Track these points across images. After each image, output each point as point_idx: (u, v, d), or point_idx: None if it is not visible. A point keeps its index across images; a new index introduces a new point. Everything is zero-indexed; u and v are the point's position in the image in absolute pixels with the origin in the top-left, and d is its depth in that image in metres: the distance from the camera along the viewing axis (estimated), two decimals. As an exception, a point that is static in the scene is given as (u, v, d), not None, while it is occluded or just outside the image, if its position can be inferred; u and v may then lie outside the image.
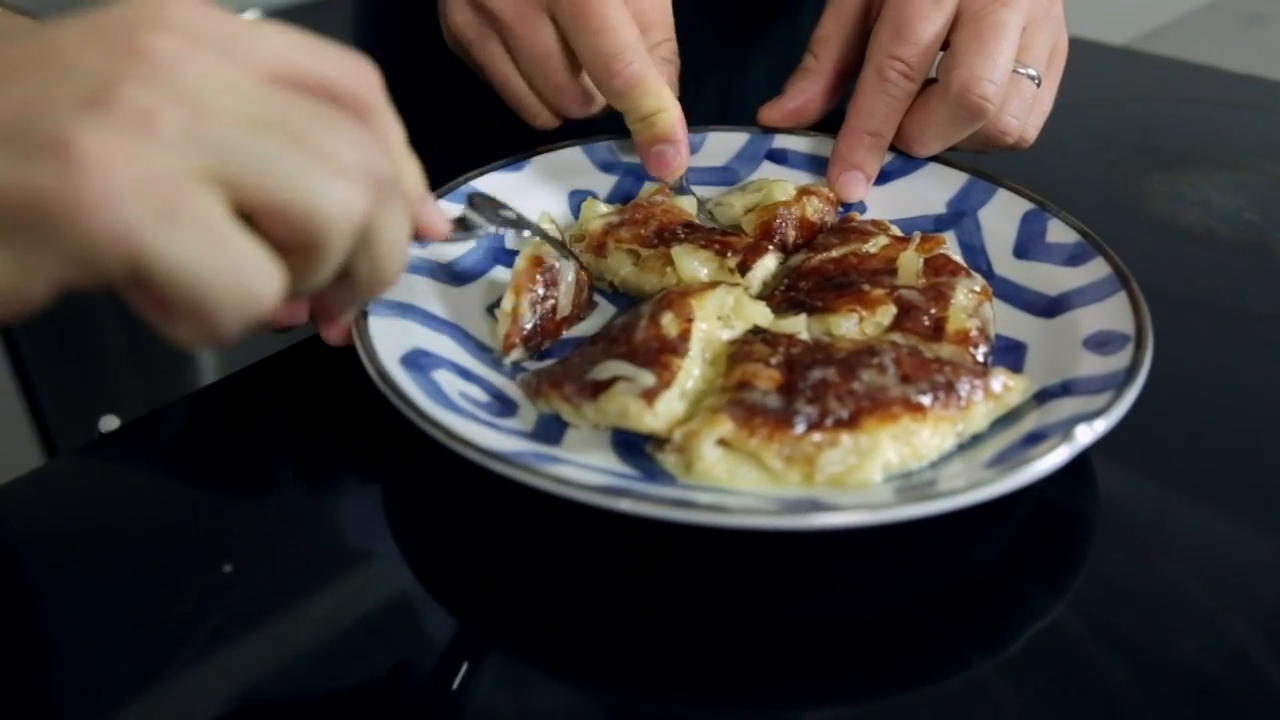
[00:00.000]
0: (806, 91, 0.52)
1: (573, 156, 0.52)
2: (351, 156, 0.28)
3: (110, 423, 0.45)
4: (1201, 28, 0.90)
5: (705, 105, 0.73)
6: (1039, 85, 0.48)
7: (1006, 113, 0.47)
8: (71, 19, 0.26)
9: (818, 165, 0.52)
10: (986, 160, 0.50)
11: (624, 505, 0.31)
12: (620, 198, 0.51)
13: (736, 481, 0.35)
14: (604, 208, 0.48)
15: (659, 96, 0.47)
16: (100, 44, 0.26)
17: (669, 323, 0.37)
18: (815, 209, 0.48)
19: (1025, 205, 0.47)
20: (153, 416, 0.43)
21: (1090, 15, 1.02)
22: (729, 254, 0.43)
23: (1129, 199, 0.58)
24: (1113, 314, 0.40)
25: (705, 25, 0.73)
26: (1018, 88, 0.47)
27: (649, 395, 0.35)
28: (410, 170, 0.34)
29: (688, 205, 0.48)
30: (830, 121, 0.52)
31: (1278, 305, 0.49)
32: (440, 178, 0.47)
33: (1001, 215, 0.48)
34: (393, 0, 0.75)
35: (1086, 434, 0.34)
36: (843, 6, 0.51)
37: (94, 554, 0.36)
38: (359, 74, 0.30)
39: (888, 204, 0.50)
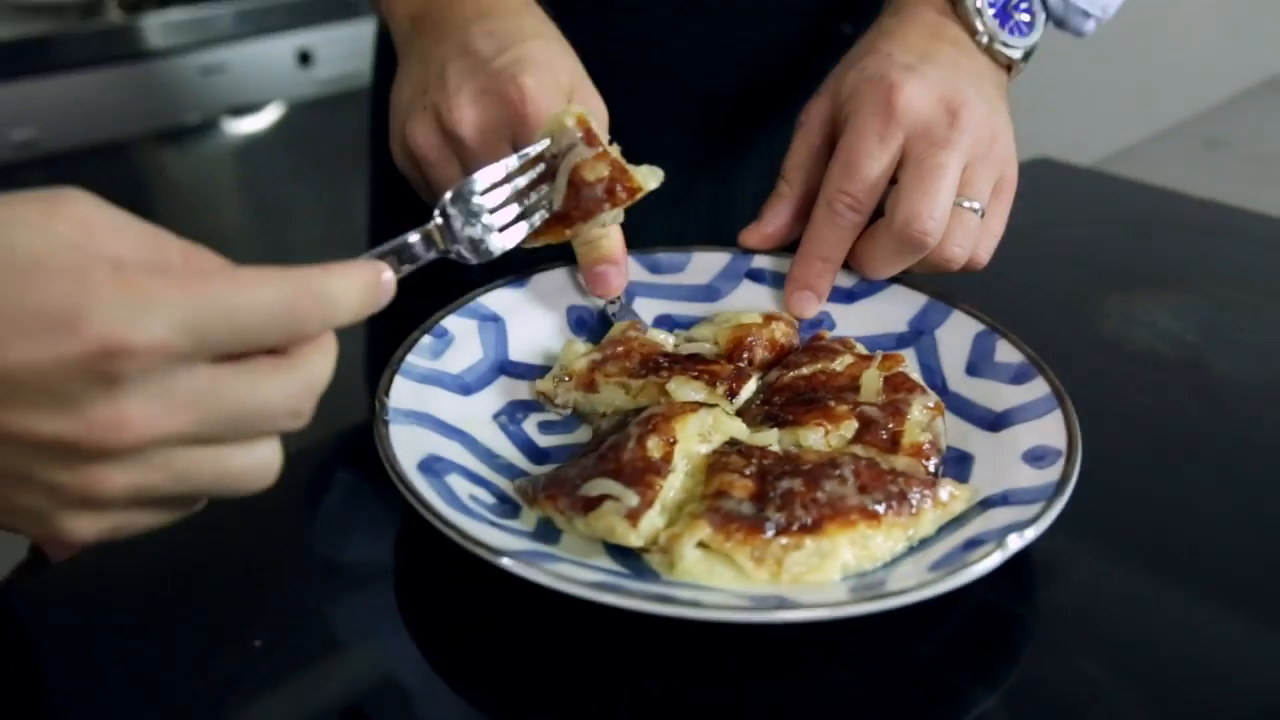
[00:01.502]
0: (780, 216, 0.57)
1: (567, 276, 0.57)
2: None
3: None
4: (1168, 149, 0.97)
5: (695, 222, 0.79)
6: (982, 216, 0.53)
7: (951, 243, 0.52)
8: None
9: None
10: (954, 277, 0.56)
11: (612, 600, 0.36)
12: (603, 319, 0.57)
13: (713, 579, 0.40)
14: (582, 347, 0.53)
15: (618, 254, 0.53)
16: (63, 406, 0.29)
17: (654, 445, 0.42)
18: (783, 332, 0.53)
19: (977, 326, 0.53)
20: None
21: (1063, 135, 1.09)
22: (718, 384, 0.48)
23: (1083, 318, 0.63)
24: (1049, 430, 0.45)
25: (694, 143, 0.80)
26: (960, 220, 0.52)
27: (633, 515, 0.40)
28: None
29: (659, 337, 0.53)
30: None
31: (1209, 424, 0.54)
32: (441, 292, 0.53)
33: (956, 335, 0.53)
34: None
35: (1017, 541, 0.38)
36: (810, 137, 0.57)
37: (117, 642, 0.41)
38: None
39: (856, 321, 0.56)
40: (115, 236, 0.30)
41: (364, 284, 0.33)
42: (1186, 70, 1.50)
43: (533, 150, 0.49)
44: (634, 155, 0.52)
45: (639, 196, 0.50)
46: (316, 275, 0.32)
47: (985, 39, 0.58)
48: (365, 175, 1.03)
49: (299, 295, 0.31)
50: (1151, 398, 0.56)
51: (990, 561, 0.38)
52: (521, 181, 0.49)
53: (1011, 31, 0.58)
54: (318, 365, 0.33)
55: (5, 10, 1.47)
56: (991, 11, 0.58)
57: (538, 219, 0.49)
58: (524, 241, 0.50)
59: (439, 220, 0.46)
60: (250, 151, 1.68)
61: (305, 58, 1.66)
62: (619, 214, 0.51)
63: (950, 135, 0.52)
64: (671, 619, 0.36)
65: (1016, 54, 0.58)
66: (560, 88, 0.53)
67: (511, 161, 0.48)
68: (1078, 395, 0.47)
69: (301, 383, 0.32)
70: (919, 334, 0.54)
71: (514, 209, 0.48)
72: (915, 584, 0.37)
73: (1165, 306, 0.64)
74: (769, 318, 0.54)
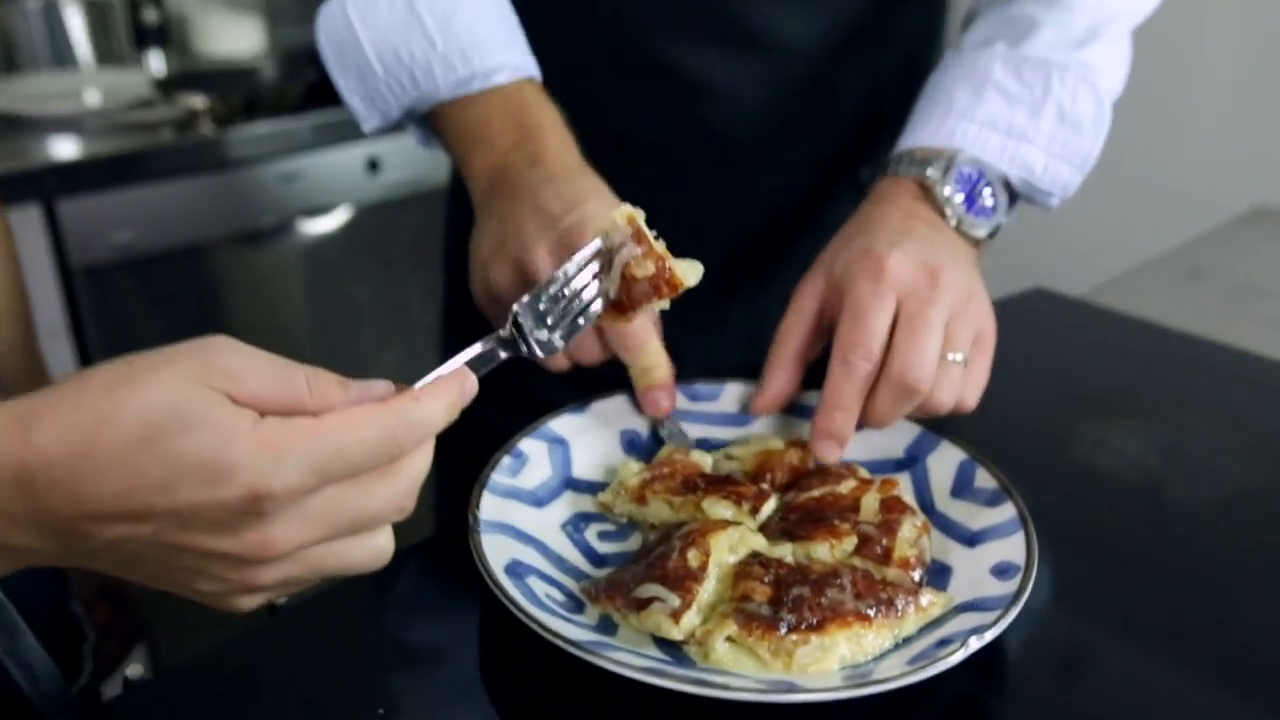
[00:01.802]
0: (779, 380, 0.66)
1: (620, 403, 0.69)
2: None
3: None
4: (1154, 278, 1.07)
5: (729, 346, 0.91)
6: (965, 365, 0.64)
7: (939, 391, 0.62)
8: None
9: (810, 412, 0.68)
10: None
11: (659, 682, 0.47)
12: (655, 437, 0.68)
13: (738, 667, 0.50)
14: (635, 466, 0.64)
15: (656, 354, 0.64)
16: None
17: (692, 556, 0.53)
18: (799, 457, 0.64)
19: (961, 455, 0.64)
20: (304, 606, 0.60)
21: (1056, 266, 1.20)
22: (743, 502, 0.59)
23: (1058, 443, 0.74)
24: (1014, 548, 0.56)
25: (726, 278, 0.91)
26: (946, 371, 0.62)
27: (675, 615, 0.50)
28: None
29: (700, 459, 0.64)
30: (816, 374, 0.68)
31: (1159, 544, 0.64)
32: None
33: (944, 462, 0.64)
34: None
35: (976, 642, 0.49)
36: (802, 310, 0.66)
37: None
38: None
39: (860, 448, 0.66)
40: (256, 379, 0.40)
41: (451, 400, 0.44)
42: (1172, 202, 1.62)
43: (588, 251, 0.55)
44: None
45: (682, 290, 0.56)
46: (411, 405, 0.42)
47: (954, 221, 0.68)
48: (422, 272, 1.14)
49: (397, 428, 0.41)
50: (1111, 517, 0.66)
51: (956, 657, 0.48)
52: (579, 282, 0.55)
53: (977, 215, 0.69)
54: (417, 468, 0.43)
55: (112, 128, 1.63)
56: (959, 198, 0.68)
57: (595, 310, 0.55)
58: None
59: (512, 328, 0.52)
60: (320, 249, 1.82)
61: (374, 165, 1.81)
62: (665, 303, 0.57)
63: (933, 295, 0.62)
64: (706, 698, 0.47)
65: (982, 233, 0.69)
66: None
67: (570, 267, 0.54)
68: (1046, 515, 0.57)
69: (405, 487, 0.43)
70: (913, 460, 0.65)
71: (576, 306, 0.55)
72: (897, 674, 0.47)
73: (1132, 432, 0.75)
74: (790, 444, 0.65)
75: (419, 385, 0.44)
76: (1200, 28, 1.86)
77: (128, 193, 1.57)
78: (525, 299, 0.53)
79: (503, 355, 0.51)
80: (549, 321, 0.53)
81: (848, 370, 0.62)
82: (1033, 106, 0.71)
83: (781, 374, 0.67)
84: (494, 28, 0.73)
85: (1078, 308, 0.97)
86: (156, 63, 1.97)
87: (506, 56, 0.72)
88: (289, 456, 0.39)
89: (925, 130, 0.71)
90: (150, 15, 1.96)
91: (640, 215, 0.55)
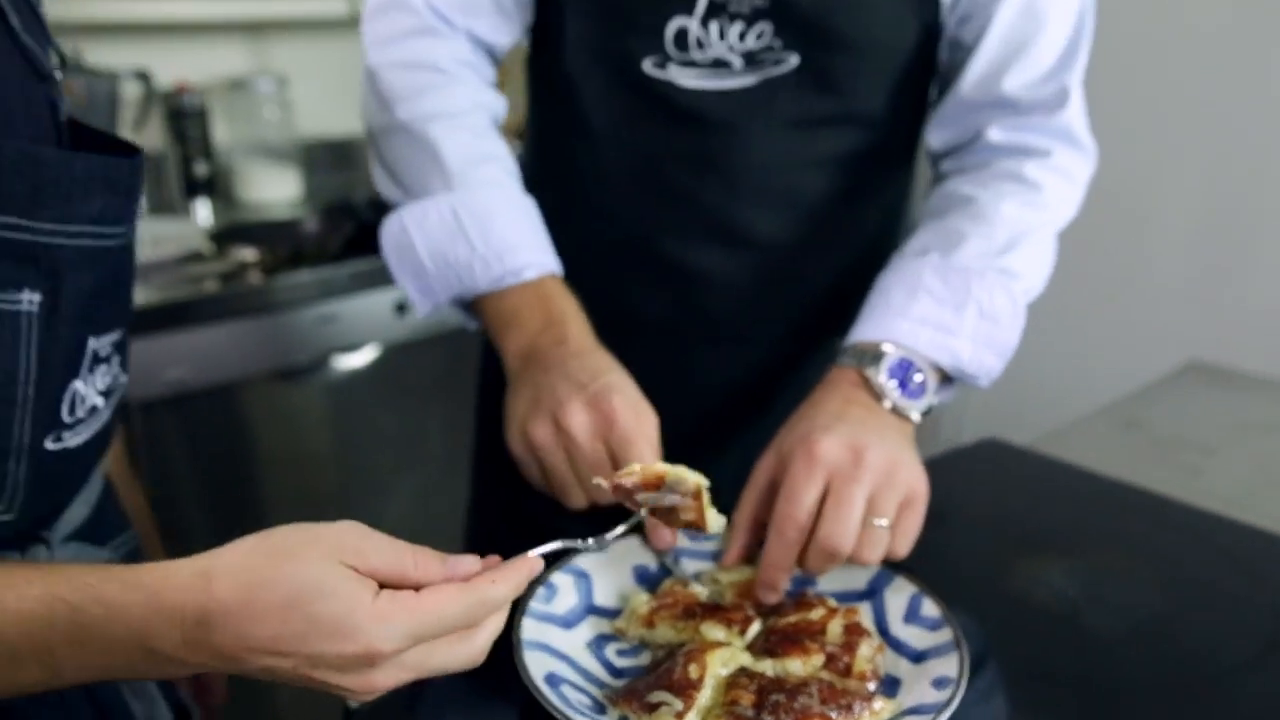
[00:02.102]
0: (738, 543, 0.80)
1: (634, 542, 0.83)
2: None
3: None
4: (1092, 429, 1.23)
5: (723, 493, 1.06)
6: (889, 527, 0.77)
7: (863, 551, 0.75)
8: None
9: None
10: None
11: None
12: (662, 568, 0.82)
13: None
14: (644, 597, 0.78)
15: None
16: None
17: (693, 670, 0.67)
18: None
19: (912, 589, 0.78)
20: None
21: (1006, 417, 1.36)
22: (733, 625, 0.74)
23: (996, 578, 0.88)
24: (950, 665, 0.70)
25: (716, 434, 1.06)
26: (870, 534, 0.75)
27: (679, 715, 0.64)
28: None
29: (697, 590, 0.79)
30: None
31: (1076, 661, 0.78)
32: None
33: (898, 594, 0.78)
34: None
35: (914, 738, 0.63)
36: (758, 484, 0.80)
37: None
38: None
39: (831, 581, 0.81)
40: (376, 556, 0.55)
41: (518, 583, 0.59)
42: (1113, 358, 1.80)
43: (644, 470, 0.70)
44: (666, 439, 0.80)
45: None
46: (487, 587, 0.56)
47: (889, 404, 0.83)
48: (441, 405, 1.28)
49: (474, 605, 0.56)
50: (1036, 639, 0.80)
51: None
52: (640, 496, 0.70)
53: (910, 397, 0.83)
54: (489, 632, 0.58)
55: (166, 280, 1.81)
56: (893, 385, 0.83)
57: (641, 516, 0.72)
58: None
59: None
60: (350, 384, 1.98)
61: (401, 308, 1.98)
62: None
63: (856, 473, 0.76)
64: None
65: (915, 413, 0.84)
66: (631, 404, 0.80)
67: (634, 482, 0.70)
68: (982, 638, 0.71)
69: (478, 647, 0.58)
70: (873, 592, 0.79)
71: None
72: (851, 763, 0.61)
73: (1061, 568, 0.89)
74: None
75: (496, 570, 0.58)
76: (1144, 206, 2.08)
77: (179, 335, 1.73)
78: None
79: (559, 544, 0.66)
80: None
81: (781, 539, 0.77)
82: (956, 306, 0.87)
83: (741, 537, 0.81)
84: (523, 233, 0.90)
85: (1024, 456, 1.12)
86: (204, 211, 2.17)
87: (533, 257, 0.89)
88: (395, 625, 0.53)
89: (867, 326, 0.87)
90: (201, 169, 2.16)
91: (706, 485, 0.69)
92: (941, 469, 0.92)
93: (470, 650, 0.57)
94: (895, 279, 0.89)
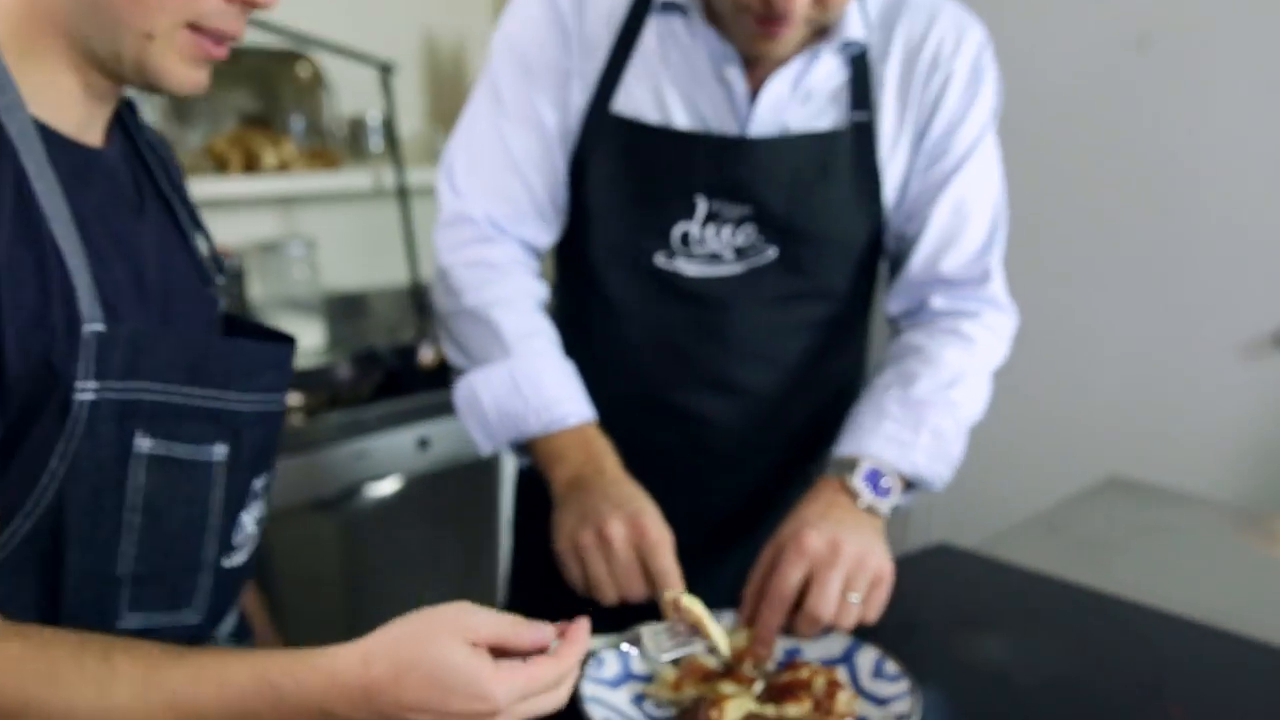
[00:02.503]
0: (747, 610, 1.04)
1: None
2: None
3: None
4: (1026, 533, 1.48)
5: (724, 583, 1.30)
6: (861, 601, 1.02)
7: (841, 619, 1.01)
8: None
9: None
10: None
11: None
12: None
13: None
14: (671, 669, 1.00)
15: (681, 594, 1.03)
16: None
17: (714, 713, 0.90)
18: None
19: (877, 653, 1.02)
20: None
21: (961, 522, 1.62)
22: (742, 683, 0.97)
23: (944, 648, 1.12)
24: (906, 706, 0.93)
25: (716, 543, 1.31)
26: (845, 606, 1.01)
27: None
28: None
29: (708, 661, 1.02)
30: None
31: (1007, 707, 1.02)
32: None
33: (866, 657, 1.02)
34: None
35: (879, 753, 0.86)
36: (761, 570, 1.05)
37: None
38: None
39: (814, 650, 1.04)
40: (485, 630, 0.76)
41: (582, 652, 0.80)
42: (1043, 472, 2.08)
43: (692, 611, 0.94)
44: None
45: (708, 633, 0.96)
46: (567, 658, 0.78)
47: (864, 505, 1.09)
48: (460, 530, 1.50)
49: (563, 669, 0.77)
50: (972, 692, 1.04)
51: (868, 763, 0.85)
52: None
53: (879, 497, 1.10)
54: (569, 686, 0.79)
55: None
56: (866, 489, 1.09)
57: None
58: None
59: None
60: (376, 511, 2.21)
61: (424, 443, 2.23)
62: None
63: (833, 561, 1.01)
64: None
65: (884, 510, 1.10)
66: (656, 522, 1.04)
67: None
68: (929, 690, 0.95)
69: (563, 695, 0.78)
70: (847, 657, 1.03)
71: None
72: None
73: (994, 642, 1.13)
74: (749, 639, 1.04)
75: (570, 644, 0.79)
76: (1075, 344, 2.42)
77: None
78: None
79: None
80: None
81: (770, 607, 1.02)
82: (914, 428, 1.14)
83: (749, 606, 1.05)
84: (566, 390, 1.16)
85: (968, 557, 1.37)
86: (242, 360, 2.42)
87: (575, 408, 1.15)
88: (512, 687, 0.74)
89: (845, 444, 1.14)
90: (240, 323, 2.42)
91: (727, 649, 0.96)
92: (904, 567, 1.16)
93: (558, 699, 0.80)
94: (866, 408, 1.16)
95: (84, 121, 0.81)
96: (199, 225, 0.98)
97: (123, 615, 0.81)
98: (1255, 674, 1.09)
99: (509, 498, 2.35)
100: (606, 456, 1.12)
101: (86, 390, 0.75)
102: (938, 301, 1.23)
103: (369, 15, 2.62)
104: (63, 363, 0.74)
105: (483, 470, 2.34)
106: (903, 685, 0.97)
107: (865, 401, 1.18)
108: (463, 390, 1.18)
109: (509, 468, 2.35)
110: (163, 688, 0.71)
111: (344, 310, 2.69)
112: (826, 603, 1.00)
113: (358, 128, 2.65)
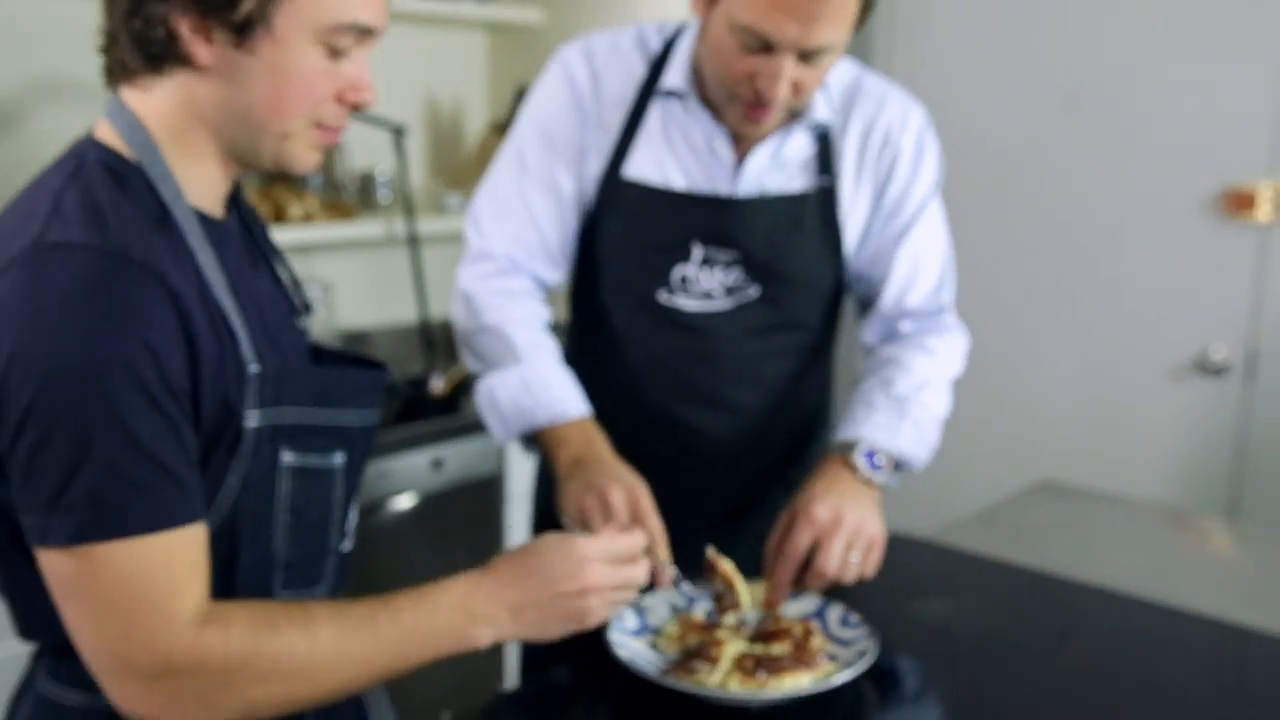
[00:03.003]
0: (769, 568, 1.31)
1: (666, 593, 1.32)
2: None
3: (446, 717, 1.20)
4: (971, 525, 1.76)
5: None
6: (860, 560, 1.28)
7: (844, 575, 1.26)
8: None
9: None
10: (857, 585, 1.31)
11: (707, 693, 1.09)
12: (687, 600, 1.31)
13: (737, 689, 1.12)
14: (674, 626, 1.25)
15: (664, 551, 1.27)
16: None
17: (714, 650, 1.16)
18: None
19: (843, 609, 1.28)
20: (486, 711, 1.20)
21: (909, 514, 1.89)
22: (735, 632, 1.23)
23: (898, 609, 1.38)
24: (865, 644, 1.19)
25: (723, 523, 1.56)
26: (847, 565, 1.26)
27: (709, 671, 1.14)
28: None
29: (699, 617, 1.27)
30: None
31: (944, 657, 1.28)
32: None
33: (834, 613, 1.28)
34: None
35: (840, 678, 1.12)
36: (777, 527, 1.30)
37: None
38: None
39: (793, 607, 1.30)
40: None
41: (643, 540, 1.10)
42: (985, 478, 2.36)
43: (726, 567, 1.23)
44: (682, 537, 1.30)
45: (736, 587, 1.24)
46: (638, 536, 1.08)
47: (863, 478, 1.34)
48: (471, 542, 1.74)
49: (634, 546, 1.07)
50: (920, 643, 1.30)
51: (835, 680, 1.11)
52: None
53: (875, 470, 1.35)
54: (644, 566, 1.09)
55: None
56: (865, 464, 1.35)
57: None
58: None
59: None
60: (393, 525, 2.44)
61: (437, 464, 2.47)
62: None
63: (836, 529, 1.27)
64: (728, 704, 1.09)
65: (880, 481, 1.36)
66: (646, 494, 1.29)
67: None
68: (885, 633, 1.21)
69: (639, 575, 1.07)
70: (820, 613, 1.29)
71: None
72: (808, 689, 1.10)
73: (940, 602, 1.40)
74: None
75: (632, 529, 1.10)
76: (1023, 362, 2.73)
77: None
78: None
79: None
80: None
81: (784, 567, 1.28)
82: (900, 418, 1.41)
83: (770, 563, 1.31)
84: (567, 390, 1.40)
85: (919, 543, 1.63)
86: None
87: (574, 404, 1.40)
88: (595, 545, 1.03)
89: (845, 431, 1.40)
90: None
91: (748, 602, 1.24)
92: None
93: (636, 574, 1.07)
94: (857, 403, 1.44)
95: (218, 200, 0.99)
96: (287, 268, 1.20)
97: (277, 593, 1.00)
98: (1147, 628, 1.36)
99: (514, 513, 2.61)
100: (602, 443, 1.37)
101: (252, 419, 0.92)
102: (905, 327, 1.52)
103: (377, 80, 2.87)
104: (236, 399, 0.91)
105: (490, 488, 2.58)
106: (863, 630, 1.23)
107: (855, 399, 1.45)
108: (482, 391, 1.43)
109: (515, 486, 2.60)
110: (347, 620, 0.95)
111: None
112: (831, 562, 1.26)
113: (368, 182, 2.90)
